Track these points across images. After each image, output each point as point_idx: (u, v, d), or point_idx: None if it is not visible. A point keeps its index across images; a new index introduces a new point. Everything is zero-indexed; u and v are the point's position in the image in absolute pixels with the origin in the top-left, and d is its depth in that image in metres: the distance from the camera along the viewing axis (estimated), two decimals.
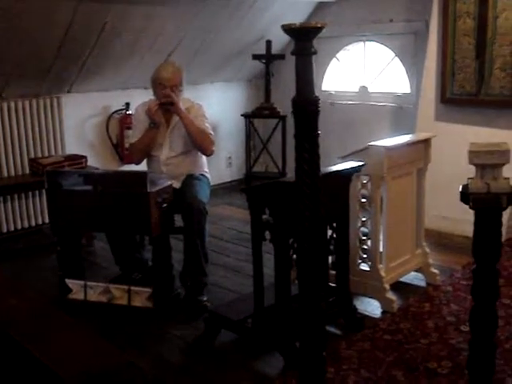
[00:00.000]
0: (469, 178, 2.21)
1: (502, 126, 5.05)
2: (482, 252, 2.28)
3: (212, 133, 4.22)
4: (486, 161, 2.13)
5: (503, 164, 2.16)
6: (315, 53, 2.12)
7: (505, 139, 4.86)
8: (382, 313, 3.83)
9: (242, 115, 6.93)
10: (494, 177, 2.16)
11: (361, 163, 3.51)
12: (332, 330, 3.60)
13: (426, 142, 4.14)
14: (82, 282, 3.95)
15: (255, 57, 6.64)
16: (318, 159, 2.12)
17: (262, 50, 6.63)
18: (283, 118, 6.61)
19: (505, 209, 2.20)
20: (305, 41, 2.10)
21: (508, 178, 2.21)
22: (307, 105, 2.11)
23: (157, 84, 4.14)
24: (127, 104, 6.07)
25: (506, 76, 4.96)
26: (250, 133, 6.94)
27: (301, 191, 2.11)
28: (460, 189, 2.21)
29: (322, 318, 2.32)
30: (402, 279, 4.21)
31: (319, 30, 2.11)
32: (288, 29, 2.10)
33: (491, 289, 2.33)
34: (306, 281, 2.24)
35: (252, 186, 3.57)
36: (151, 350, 3.47)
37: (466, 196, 2.18)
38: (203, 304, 3.91)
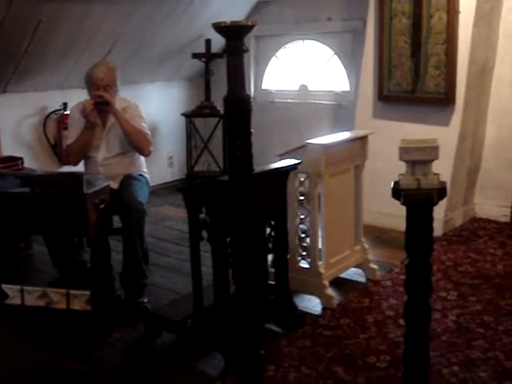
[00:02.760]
0: (400, 175, 2.24)
1: (437, 122, 5.15)
2: (415, 247, 2.31)
3: (149, 133, 4.19)
4: (415, 157, 2.16)
5: (432, 160, 2.19)
6: (246, 51, 2.12)
7: (440, 135, 4.95)
8: (323, 309, 3.86)
9: (182, 114, 6.90)
10: (424, 173, 2.20)
11: (297, 161, 3.53)
12: (273, 327, 3.61)
13: (363, 139, 4.19)
14: (18, 287, 3.84)
15: (195, 56, 6.62)
16: (251, 158, 2.12)
17: (202, 49, 6.60)
18: (224, 117, 6.60)
19: (435, 204, 2.24)
20: (236, 39, 2.09)
21: (438, 174, 2.25)
22: (239, 103, 2.11)
23: (90, 84, 4.08)
24: (65, 104, 5.96)
25: (441, 74, 5.06)
26: (190, 132, 6.90)
27: (234, 190, 2.11)
28: (391, 185, 2.24)
29: (258, 316, 2.32)
30: (342, 275, 4.25)
31: (250, 28, 2.10)
32: (218, 27, 2.09)
33: (424, 283, 2.36)
34: (241, 279, 2.24)
35: (188, 186, 3.56)
36: (91, 354, 3.42)
37: (397, 192, 2.20)
38: (144, 306, 3.87)
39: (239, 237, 2.15)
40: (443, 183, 2.24)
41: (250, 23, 2.11)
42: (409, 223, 2.27)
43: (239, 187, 2.09)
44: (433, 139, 2.23)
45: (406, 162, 2.20)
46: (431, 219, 2.27)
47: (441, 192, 2.21)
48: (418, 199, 2.19)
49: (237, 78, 2.13)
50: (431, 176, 2.21)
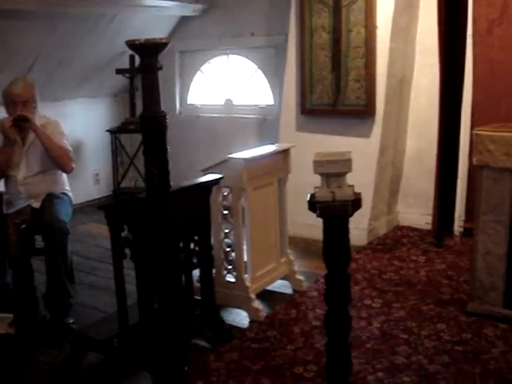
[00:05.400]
0: (316, 187, 2.29)
1: (358, 134, 5.27)
2: (333, 258, 2.36)
3: (70, 149, 4.14)
4: (329, 170, 2.21)
5: (346, 172, 2.25)
6: (161, 68, 2.12)
7: (362, 147, 5.14)
8: (250, 322, 3.88)
9: (107, 131, 6.83)
10: (338, 185, 2.25)
11: (219, 176, 3.55)
12: (200, 343, 3.61)
13: (286, 153, 4.24)
14: None
15: (118, 71, 6.57)
16: (168, 174, 2.13)
17: (127, 64, 6.56)
18: None
19: (350, 215, 2.29)
20: (149, 56, 2.10)
21: (352, 186, 2.31)
22: (154, 120, 2.11)
23: (8, 100, 4.01)
24: None
25: (361, 87, 5.19)
26: (116, 148, 6.84)
27: (152, 207, 2.11)
28: (307, 198, 2.28)
29: (181, 333, 2.32)
30: (269, 288, 4.28)
31: (164, 45, 2.11)
32: (132, 45, 2.09)
33: (343, 293, 2.42)
34: (162, 297, 2.24)
35: (109, 203, 3.53)
36: (15, 379, 3.34)
37: (312, 205, 2.25)
38: (69, 326, 3.80)
39: (158, 254, 2.15)
40: (358, 195, 2.30)
41: (164, 40, 2.12)
42: (326, 235, 2.32)
43: (156, 204, 2.09)
44: (346, 152, 2.29)
45: (321, 175, 2.24)
46: (347, 230, 2.32)
47: (355, 203, 2.27)
48: (334, 211, 2.24)
49: (152, 94, 2.14)
50: (346, 188, 2.26)
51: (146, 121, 2.12)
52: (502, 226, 3.67)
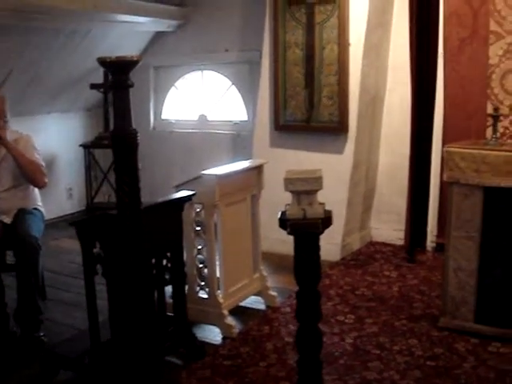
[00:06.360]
0: (287, 205, 2.30)
1: (331, 150, 5.30)
2: (303, 275, 2.37)
3: (43, 164, 4.11)
4: (300, 188, 2.22)
5: (317, 190, 2.26)
6: (132, 86, 2.13)
7: (335, 163, 5.16)
8: (223, 339, 3.86)
9: (80, 145, 6.79)
10: (309, 203, 2.26)
11: (191, 193, 3.55)
12: (173, 359, 3.58)
13: (259, 169, 4.25)
14: None
15: (93, 86, 6.55)
16: (139, 192, 2.12)
17: (101, 79, 6.54)
18: None
19: (321, 233, 2.30)
20: (121, 74, 2.10)
21: (323, 203, 2.32)
22: (125, 138, 2.11)
23: None
24: None
25: (334, 103, 5.23)
26: (89, 163, 6.80)
27: (123, 224, 2.10)
28: (278, 215, 2.29)
29: (153, 349, 2.31)
30: (242, 304, 4.27)
31: (135, 63, 2.12)
32: (103, 62, 2.09)
33: (314, 310, 2.42)
34: (134, 313, 2.23)
35: (80, 220, 3.50)
36: None
37: (283, 222, 2.26)
38: (40, 339, 3.76)
39: (129, 270, 2.14)
40: (328, 212, 2.32)
41: (134, 58, 2.13)
42: (296, 252, 2.33)
43: (127, 221, 2.08)
44: (317, 170, 2.30)
45: (292, 192, 2.26)
46: (318, 248, 2.33)
47: (326, 221, 2.28)
48: (304, 229, 2.25)
49: (123, 112, 2.14)
50: (316, 206, 2.27)
51: (116, 139, 2.12)
52: (472, 241, 3.71)
